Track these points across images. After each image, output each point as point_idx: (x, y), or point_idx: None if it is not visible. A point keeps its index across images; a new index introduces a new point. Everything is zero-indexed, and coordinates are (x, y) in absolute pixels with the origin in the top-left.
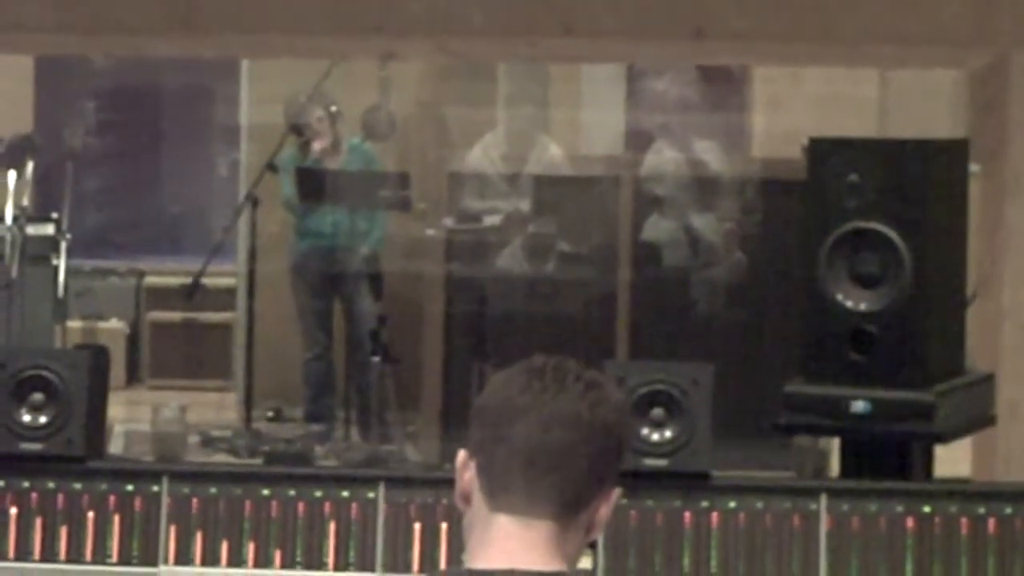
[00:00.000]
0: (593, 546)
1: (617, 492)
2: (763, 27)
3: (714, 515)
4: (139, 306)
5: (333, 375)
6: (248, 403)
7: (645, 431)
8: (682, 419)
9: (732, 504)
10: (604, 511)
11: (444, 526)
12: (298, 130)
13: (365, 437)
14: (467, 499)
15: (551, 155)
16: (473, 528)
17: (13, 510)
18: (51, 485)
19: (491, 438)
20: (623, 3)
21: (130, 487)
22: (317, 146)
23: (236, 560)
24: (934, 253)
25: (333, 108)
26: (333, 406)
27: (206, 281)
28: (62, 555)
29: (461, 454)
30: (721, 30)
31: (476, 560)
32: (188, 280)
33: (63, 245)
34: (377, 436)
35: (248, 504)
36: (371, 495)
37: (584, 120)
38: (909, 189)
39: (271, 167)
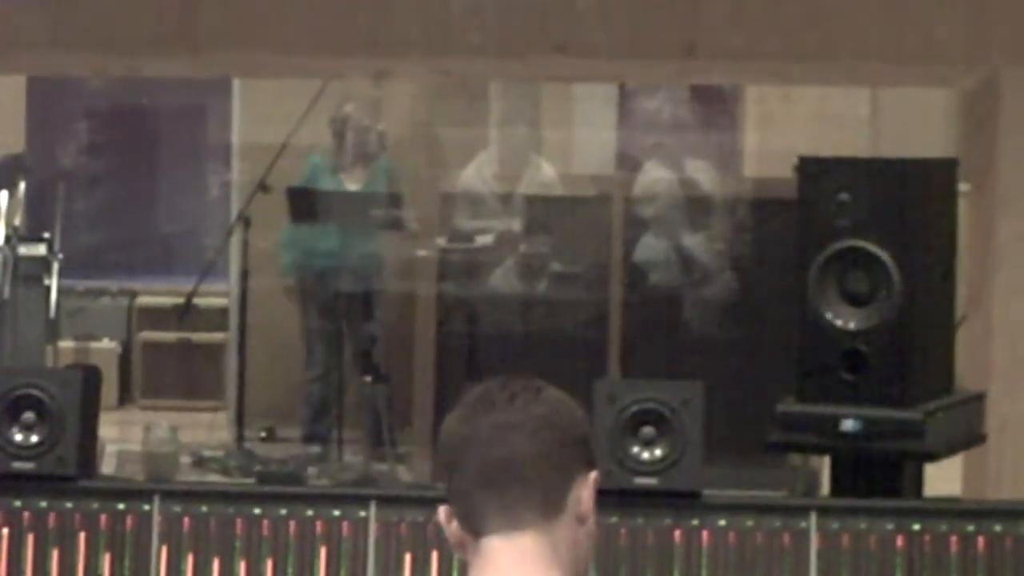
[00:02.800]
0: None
1: (593, 476)
2: (755, 46)
3: (704, 533)
4: (131, 326)
5: (332, 396)
6: (240, 423)
7: (636, 449)
8: (673, 437)
9: (722, 522)
10: (586, 500)
11: (435, 546)
12: (339, 140)
13: (357, 457)
14: (461, 546)
15: (544, 175)
16: (472, 565)
17: (4, 529)
18: (42, 504)
19: (452, 475)
20: (616, 22)
21: (121, 506)
22: (349, 160)
23: None
24: (924, 272)
25: (380, 126)
26: (335, 429)
27: (198, 301)
28: (53, 574)
29: (442, 510)
30: (713, 49)
31: None
32: (180, 300)
33: (55, 265)
34: (369, 456)
35: (239, 523)
36: (362, 514)
37: (576, 140)
38: (899, 208)
39: (263, 187)
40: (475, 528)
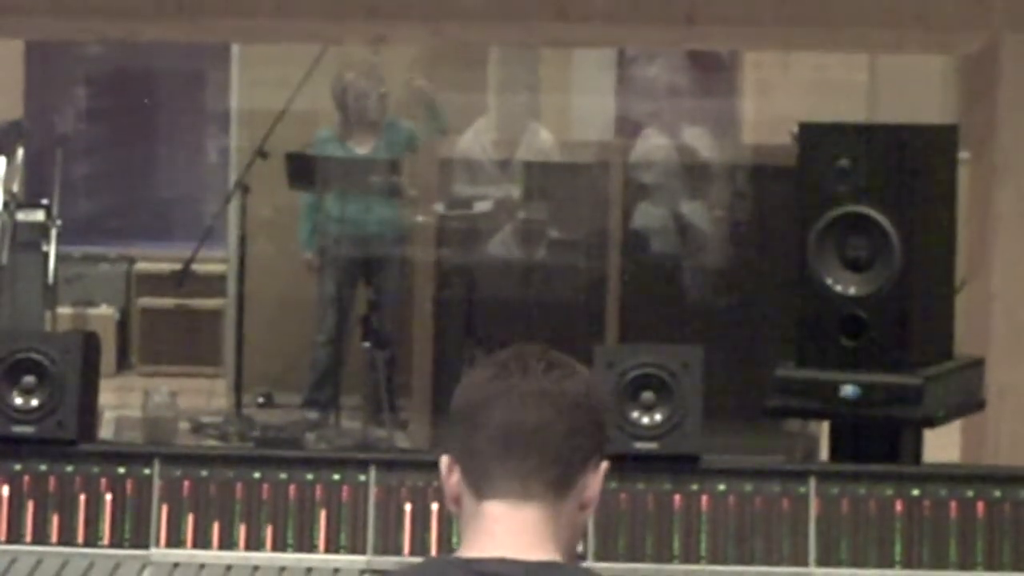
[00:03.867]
0: (586, 522)
1: (604, 466)
2: (754, 12)
3: (704, 498)
4: (129, 292)
5: (340, 362)
6: (238, 389)
7: (635, 414)
8: (672, 402)
9: (722, 487)
10: (593, 487)
11: (435, 509)
12: (343, 108)
13: (355, 423)
14: (457, 501)
15: (542, 141)
16: (466, 525)
17: (5, 492)
18: (43, 468)
19: (467, 430)
20: None
21: (121, 470)
22: (359, 126)
23: (227, 542)
24: (924, 238)
25: (383, 90)
26: (334, 394)
27: (197, 267)
28: (54, 538)
29: (444, 459)
30: (712, 15)
31: (467, 550)
32: (179, 266)
33: (53, 231)
34: (368, 422)
35: (240, 487)
36: (362, 478)
37: (575, 106)
38: (899, 174)
39: (262, 153)
40: (480, 489)
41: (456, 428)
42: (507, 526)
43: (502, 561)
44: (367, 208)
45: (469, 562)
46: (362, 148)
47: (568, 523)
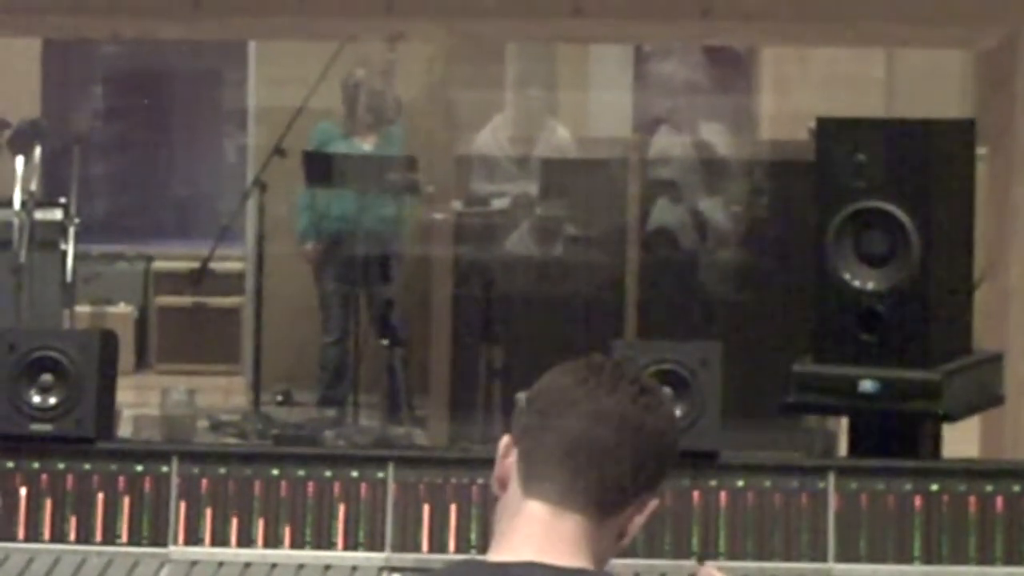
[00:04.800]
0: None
1: (654, 503)
2: (770, 7)
3: (723, 494)
4: (147, 291)
5: (350, 361)
6: (257, 387)
7: None
8: (691, 398)
9: (741, 483)
10: (638, 520)
11: (453, 506)
12: (351, 105)
13: (373, 421)
14: (504, 484)
15: (559, 138)
16: (504, 513)
17: (23, 491)
18: (61, 466)
19: (538, 426)
20: None
21: (140, 468)
22: (362, 124)
23: (246, 540)
24: (942, 232)
25: (395, 89)
26: (351, 392)
27: (214, 265)
28: (72, 536)
29: (505, 439)
30: (728, 10)
31: (500, 547)
32: (196, 264)
33: (71, 230)
34: (385, 419)
35: (258, 484)
36: (381, 475)
37: (592, 103)
38: (917, 169)
39: (279, 151)
40: (530, 485)
41: (528, 417)
42: (546, 530)
43: (532, 565)
44: (366, 205)
45: (499, 566)
46: (366, 144)
47: (604, 543)
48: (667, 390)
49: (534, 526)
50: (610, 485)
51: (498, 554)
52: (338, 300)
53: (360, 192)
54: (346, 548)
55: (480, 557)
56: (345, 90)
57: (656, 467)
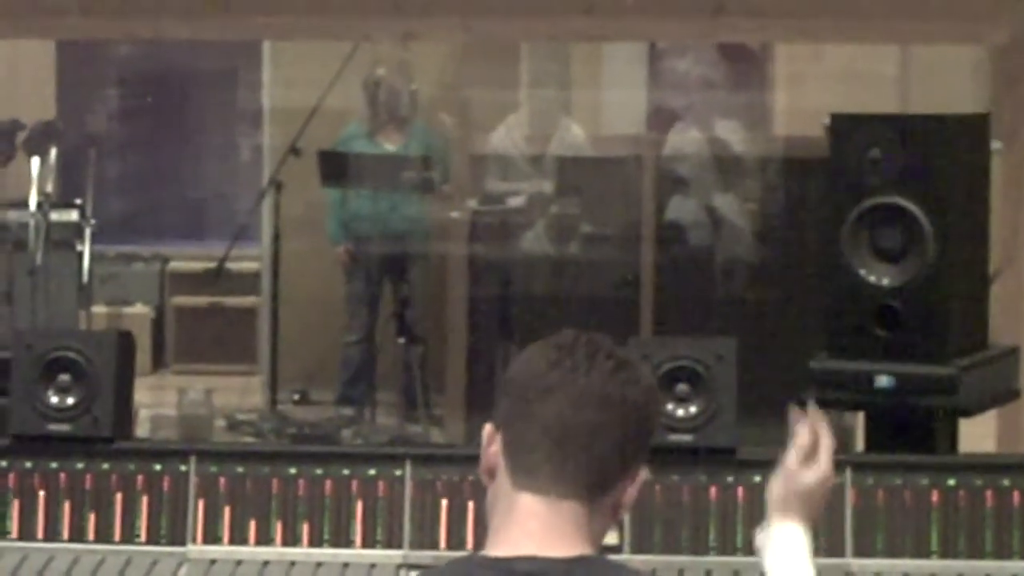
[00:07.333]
0: (619, 521)
1: (644, 472)
2: (783, 3)
3: (740, 490)
4: (163, 291)
5: (372, 360)
6: (273, 386)
7: (670, 406)
8: (707, 394)
9: (757, 479)
10: (631, 492)
11: (471, 503)
12: (373, 103)
13: (390, 419)
14: (491, 473)
15: (574, 136)
16: (496, 505)
17: (41, 491)
18: (79, 466)
19: (519, 414)
20: None
21: (158, 467)
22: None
23: (264, 538)
24: (956, 227)
25: (413, 87)
26: (368, 391)
27: (230, 265)
28: (91, 535)
29: (488, 427)
30: (741, 6)
31: (498, 542)
32: (212, 264)
33: (87, 231)
34: (402, 418)
35: (276, 483)
36: (398, 473)
37: (606, 100)
38: (931, 164)
39: (295, 150)
40: (519, 478)
41: (509, 405)
42: (542, 522)
43: (533, 559)
44: (394, 205)
45: (499, 561)
46: (391, 144)
47: (600, 522)
48: (682, 386)
49: (531, 521)
50: (600, 466)
51: (498, 549)
52: (365, 300)
53: (387, 191)
54: (364, 546)
55: (481, 553)
56: (366, 88)
57: (643, 439)
